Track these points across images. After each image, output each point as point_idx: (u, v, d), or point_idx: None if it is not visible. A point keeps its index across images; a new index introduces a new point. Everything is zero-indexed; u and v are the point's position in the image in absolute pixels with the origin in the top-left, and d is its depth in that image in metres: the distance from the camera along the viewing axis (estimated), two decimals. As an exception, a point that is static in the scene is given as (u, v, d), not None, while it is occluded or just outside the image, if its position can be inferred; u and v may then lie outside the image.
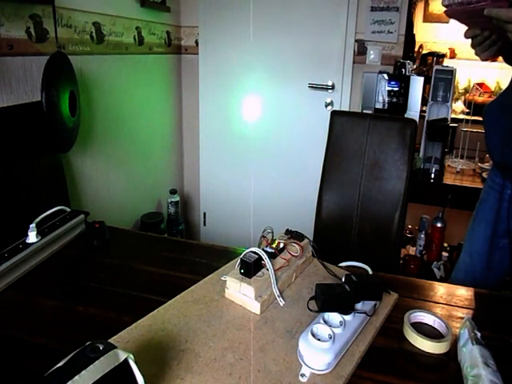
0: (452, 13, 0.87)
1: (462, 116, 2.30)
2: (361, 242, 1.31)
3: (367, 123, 1.30)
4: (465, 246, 1.22)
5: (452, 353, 0.66)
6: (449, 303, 0.82)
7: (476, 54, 0.90)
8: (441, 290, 0.89)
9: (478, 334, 0.64)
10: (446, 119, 1.94)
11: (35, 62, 1.36)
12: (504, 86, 2.84)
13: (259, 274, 0.76)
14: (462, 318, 0.69)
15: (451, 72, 1.92)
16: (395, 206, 1.25)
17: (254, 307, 0.73)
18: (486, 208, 1.14)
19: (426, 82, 2.03)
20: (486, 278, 1.14)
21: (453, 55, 3.29)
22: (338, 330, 0.65)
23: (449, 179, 1.96)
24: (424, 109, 2.06)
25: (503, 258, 1.12)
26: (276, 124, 2.44)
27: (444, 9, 0.86)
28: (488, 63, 2.99)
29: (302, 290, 0.81)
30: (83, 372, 0.43)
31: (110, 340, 0.63)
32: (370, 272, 0.87)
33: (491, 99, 1.41)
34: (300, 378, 0.59)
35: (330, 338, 0.63)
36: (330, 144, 1.36)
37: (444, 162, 2.06)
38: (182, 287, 0.80)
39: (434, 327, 0.72)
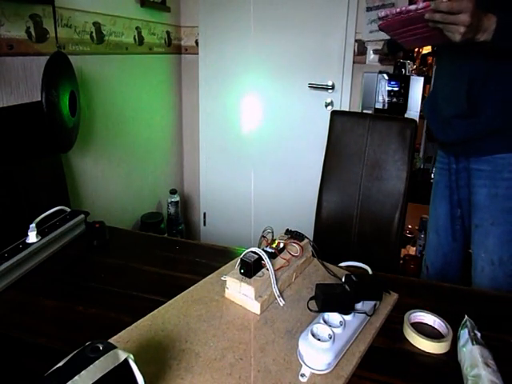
0: (386, 25, 0.93)
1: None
2: (361, 242, 1.31)
3: (367, 123, 1.30)
4: (430, 226, 1.35)
5: (452, 353, 0.66)
6: (449, 303, 0.82)
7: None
8: (441, 289, 0.89)
9: (478, 334, 0.64)
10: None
11: (35, 62, 1.36)
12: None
13: (259, 273, 0.76)
14: (462, 318, 0.69)
15: (451, 72, 1.91)
16: (395, 206, 1.25)
17: (254, 307, 0.73)
18: (442, 187, 1.27)
19: (426, 82, 2.03)
20: (452, 249, 1.29)
21: (453, 55, 3.28)
22: (338, 330, 0.65)
23: (449, 179, 1.95)
24: (424, 109, 2.06)
25: (462, 226, 1.25)
26: (276, 124, 2.44)
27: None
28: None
29: (302, 290, 0.81)
30: (83, 372, 0.43)
31: (110, 340, 0.63)
32: (370, 272, 0.87)
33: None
34: (300, 378, 0.59)
35: (330, 337, 0.63)
36: (330, 144, 1.36)
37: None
38: (182, 287, 0.80)
39: (434, 327, 0.72)
